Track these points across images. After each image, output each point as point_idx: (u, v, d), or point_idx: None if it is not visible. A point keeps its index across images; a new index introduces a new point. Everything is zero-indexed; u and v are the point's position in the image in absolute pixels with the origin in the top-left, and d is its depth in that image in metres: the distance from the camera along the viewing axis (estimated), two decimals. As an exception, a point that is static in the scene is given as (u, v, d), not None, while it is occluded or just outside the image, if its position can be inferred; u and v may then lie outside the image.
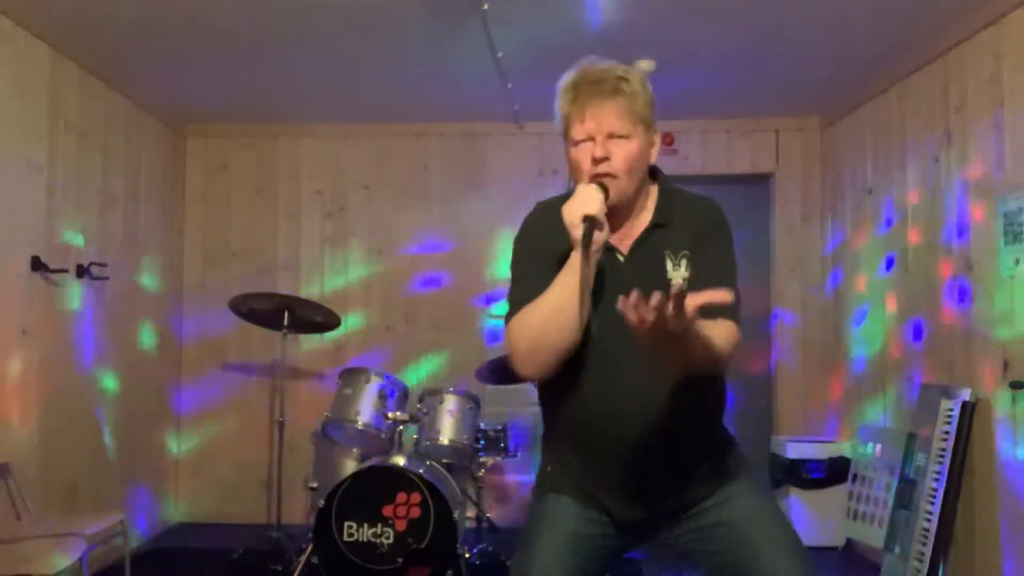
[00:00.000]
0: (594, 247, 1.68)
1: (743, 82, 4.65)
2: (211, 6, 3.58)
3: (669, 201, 1.88)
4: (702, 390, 1.84)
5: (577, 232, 1.67)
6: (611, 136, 1.75)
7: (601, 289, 1.76)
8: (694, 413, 1.83)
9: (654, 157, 1.86)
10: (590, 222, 1.66)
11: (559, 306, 1.70)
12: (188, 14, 3.66)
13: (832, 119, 5.13)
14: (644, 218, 1.86)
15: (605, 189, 1.73)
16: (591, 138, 1.76)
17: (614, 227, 1.80)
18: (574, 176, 1.83)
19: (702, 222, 1.86)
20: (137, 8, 3.58)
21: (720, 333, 1.65)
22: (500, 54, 4.04)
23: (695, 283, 1.78)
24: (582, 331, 1.72)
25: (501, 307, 5.31)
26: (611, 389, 1.78)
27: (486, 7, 3.47)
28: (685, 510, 1.85)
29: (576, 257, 1.69)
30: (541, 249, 1.84)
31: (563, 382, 1.81)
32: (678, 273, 1.81)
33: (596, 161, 1.75)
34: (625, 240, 1.84)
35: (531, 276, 1.81)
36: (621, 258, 1.83)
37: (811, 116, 5.31)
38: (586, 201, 1.68)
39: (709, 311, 1.69)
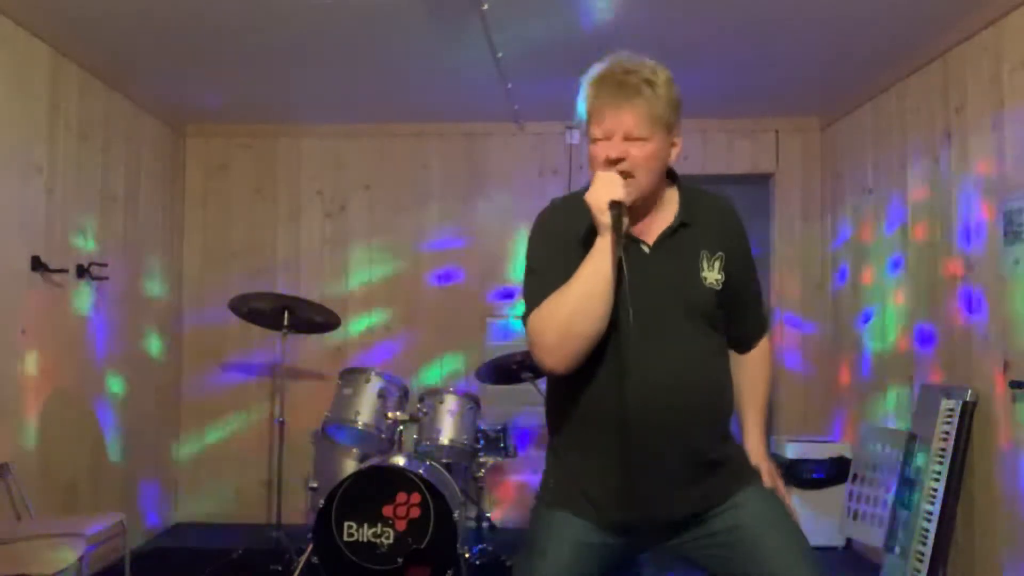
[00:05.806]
0: (624, 227, 1.70)
1: (743, 82, 4.64)
2: (211, 6, 3.58)
3: (691, 201, 1.88)
4: (720, 385, 1.85)
5: (605, 217, 1.68)
6: (627, 138, 1.74)
7: (623, 279, 1.73)
8: (712, 407, 1.83)
9: (674, 158, 1.84)
10: (618, 208, 1.68)
11: (588, 292, 1.69)
12: (189, 15, 3.66)
13: (832, 119, 5.13)
14: (668, 214, 1.86)
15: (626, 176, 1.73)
16: (608, 137, 1.76)
17: (634, 219, 1.80)
18: (593, 169, 1.82)
19: (729, 228, 1.91)
20: (137, 8, 3.58)
21: (763, 371, 2.05)
22: (500, 54, 4.04)
23: (729, 288, 1.84)
24: (609, 318, 1.71)
25: (514, 307, 5.31)
26: (631, 381, 1.75)
27: (486, 7, 3.47)
28: (694, 517, 1.82)
29: (602, 243, 1.70)
30: (560, 241, 1.83)
31: (579, 377, 1.77)
32: (712, 274, 1.83)
33: (611, 162, 1.75)
34: (648, 232, 1.83)
35: (552, 268, 1.78)
36: (646, 249, 1.82)
37: (811, 116, 5.30)
38: (610, 186, 1.70)
39: (747, 338, 2.02)
